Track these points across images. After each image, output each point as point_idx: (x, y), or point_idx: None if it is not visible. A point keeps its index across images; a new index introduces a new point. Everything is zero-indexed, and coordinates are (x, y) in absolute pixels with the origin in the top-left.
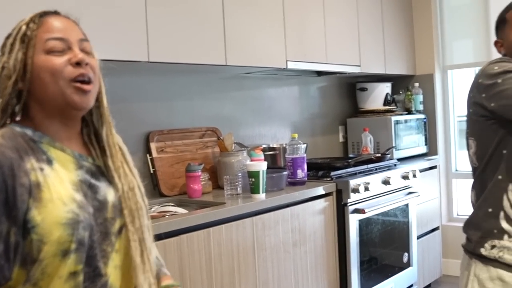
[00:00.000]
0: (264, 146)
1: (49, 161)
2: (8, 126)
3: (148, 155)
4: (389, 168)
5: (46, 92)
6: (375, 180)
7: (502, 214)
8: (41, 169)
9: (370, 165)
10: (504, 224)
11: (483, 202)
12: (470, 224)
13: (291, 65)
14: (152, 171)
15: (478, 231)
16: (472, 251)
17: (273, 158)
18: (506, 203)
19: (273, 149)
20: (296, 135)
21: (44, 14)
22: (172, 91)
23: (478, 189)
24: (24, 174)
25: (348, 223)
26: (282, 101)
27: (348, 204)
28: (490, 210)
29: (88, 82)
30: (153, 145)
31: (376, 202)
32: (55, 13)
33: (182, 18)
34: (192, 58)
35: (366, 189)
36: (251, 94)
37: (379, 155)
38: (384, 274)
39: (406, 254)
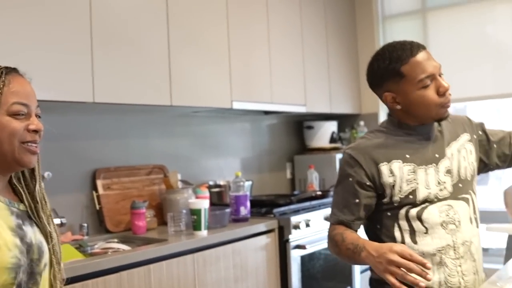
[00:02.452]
0: (210, 183)
1: None
2: None
3: (94, 192)
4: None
5: (1, 147)
6: (317, 217)
7: None
8: None
9: (313, 202)
10: None
11: None
12: None
13: (236, 105)
14: (98, 208)
15: None
16: None
17: (219, 195)
18: None
19: (219, 186)
20: (239, 173)
21: (8, 72)
22: (119, 129)
23: None
24: None
25: (289, 259)
26: (230, 138)
27: (290, 241)
28: None
29: (36, 145)
30: (99, 182)
31: (318, 238)
32: (16, 71)
33: (128, 59)
34: (137, 98)
35: (307, 225)
36: (199, 131)
37: (321, 192)
38: None
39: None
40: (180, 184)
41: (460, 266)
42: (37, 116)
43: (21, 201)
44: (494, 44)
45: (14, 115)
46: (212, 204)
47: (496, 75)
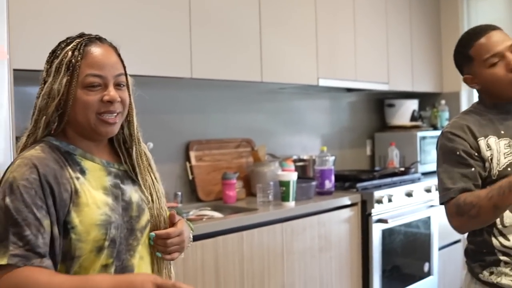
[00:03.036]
0: (294, 157)
1: (82, 171)
2: (46, 140)
3: (187, 162)
4: (413, 181)
5: (78, 119)
6: (398, 193)
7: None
8: (77, 178)
9: (394, 178)
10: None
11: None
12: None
13: (322, 82)
14: (191, 178)
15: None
16: (472, 273)
17: (303, 169)
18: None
19: (303, 160)
20: (325, 148)
21: (88, 42)
22: (211, 104)
23: None
24: (67, 181)
25: (371, 233)
26: (313, 114)
27: (372, 215)
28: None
29: (115, 115)
30: (192, 154)
31: (399, 214)
32: (99, 40)
33: (223, 38)
34: (231, 75)
35: (390, 200)
36: (284, 107)
37: (403, 169)
38: (405, 282)
39: (427, 264)
40: (267, 157)
41: None
42: (119, 85)
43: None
44: None
45: (89, 87)
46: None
47: None
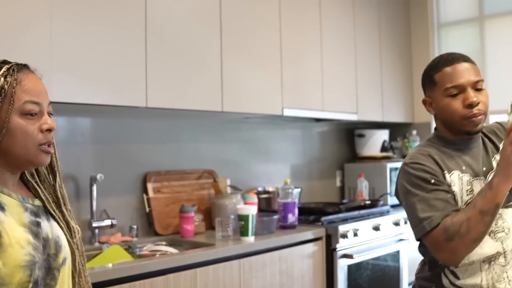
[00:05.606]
0: (259, 189)
1: (2, 208)
2: None
3: (144, 194)
4: (381, 214)
5: (13, 149)
6: (365, 226)
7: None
8: None
9: (362, 211)
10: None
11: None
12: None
13: (287, 112)
14: (148, 210)
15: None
16: None
17: (268, 201)
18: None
19: (267, 192)
20: (288, 180)
21: (19, 69)
22: (171, 133)
23: None
24: None
25: (336, 268)
26: (280, 144)
27: (337, 249)
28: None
29: (52, 144)
30: (150, 185)
31: (366, 248)
32: (27, 67)
33: (181, 66)
34: (189, 104)
35: (355, 234)
36: (249, 137)
37: (371, 201)
38: None
39: None
40: (229, 190)
41: (506, 272)
42: (49, 114)
43: (36, 196)
44: None
45: (27, 114)
46: (260, 210)
47: None
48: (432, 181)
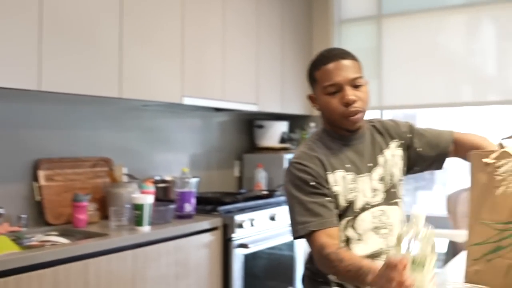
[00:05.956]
0: (157, 178)
1: None
2: None
3: (35, 182)
4: (278, 204)
5: None
6: (262, 216)
7: None
8: None
9: (259, 201)
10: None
11: None
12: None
13: (187, 101)
14: (38, 199)
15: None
16: None
17: (165, 190)
18: None
19: (165, 181)
20: (186, 170)
21: None
22: (66, 119)
23: None
24: None
25: (232, 258)
26: (180, 134)
27: (233, 239)
28: None
29: None
30: (41, 173)
31: (262, 238)
32: None
33: (79, 50)
34: (86, 89)
35: (252, 224)
36: (148, 126)
37: (268, 192)
38: None
39: None
40: (125, 178)
41: None
42: None
43: None
44: (445, 53)
45: None
46: (157, 199)
47: (447, 84)
48: (312, 183)
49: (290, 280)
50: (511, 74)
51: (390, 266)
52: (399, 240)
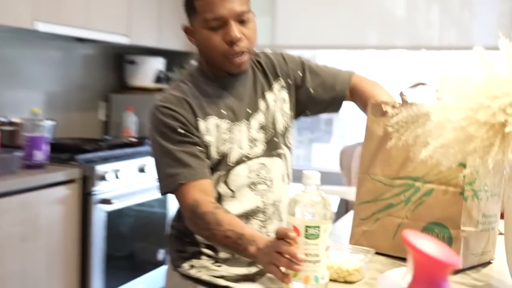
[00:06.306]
0: (2, 119)
1: None
2: None
3: None
4: (149, 154)
5: None
6: (129, 167)
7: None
8: None
9: (127, 150)
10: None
11: None
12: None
13: (41, 27)
14: None
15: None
16: (173, 264)
17: (12, 134)
18: None
19: (13, 124)
20: (38, 110)
21: None
22: None
23: None
24: None
25: (92, 215)
26: (33, 67)
27: (94, 193)
28: None
29: None
30: None
31: (129, 192)
32: None
33: None
34: None
35: (117, 177)
36: None
37: (138, 139)
38: (135, 273)
39: (161, 251)
40: None
41: (265, 227)
42: None
43: None
44: None
45: None
46: (2, 145)
47: (351, 24)
48: (181, 130)
49: (162, 241)
50: (420, 18)
51: (279, 238)
52: (290, 207)
